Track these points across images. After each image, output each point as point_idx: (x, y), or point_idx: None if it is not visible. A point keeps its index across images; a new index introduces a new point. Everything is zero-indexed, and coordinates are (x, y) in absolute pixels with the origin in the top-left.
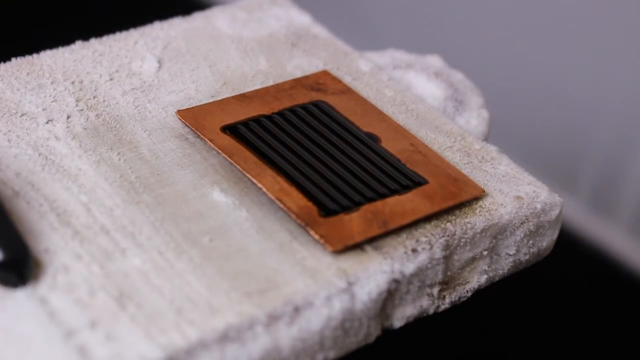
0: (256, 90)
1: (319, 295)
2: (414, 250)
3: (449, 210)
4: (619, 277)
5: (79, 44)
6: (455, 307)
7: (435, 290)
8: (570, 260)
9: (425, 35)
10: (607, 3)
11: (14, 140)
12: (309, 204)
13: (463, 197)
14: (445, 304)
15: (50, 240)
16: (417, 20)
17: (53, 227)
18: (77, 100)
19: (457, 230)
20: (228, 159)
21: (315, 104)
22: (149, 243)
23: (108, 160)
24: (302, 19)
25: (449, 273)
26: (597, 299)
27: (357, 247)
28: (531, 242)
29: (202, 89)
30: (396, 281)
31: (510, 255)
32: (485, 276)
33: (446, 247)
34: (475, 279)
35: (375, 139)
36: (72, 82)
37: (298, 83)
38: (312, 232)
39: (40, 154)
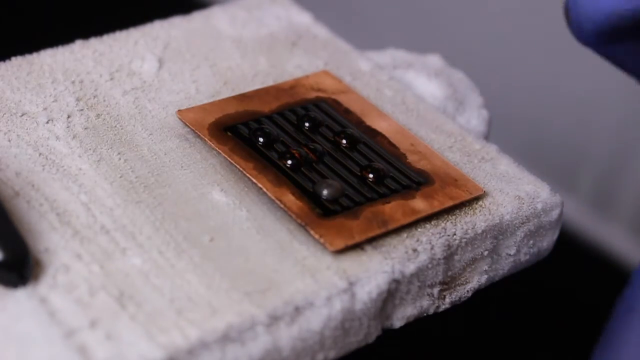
0: (256, 90)
1: (319, 295)
2: (414, 250)
3: (449, 210)
4: (619, 277)
5: (79, 44)
6: (456, 307)
7: (436, 291)
8: (570, 260)
9: (425, 35)
10: None
11: (14, 140)
12: (309, 203)
13: (463, 197)
14: (446, 304)
15: (51, 240)
16: (417, 20)
17: (53, 226)
18: (77, 100)
19: (458, 230)
20: (228, 159)
21: (316, 104)
22: (149, 243)
23: (108, 160)
24: (302, 18)
25: (449, 273)
26: (597, 299)
27: (357, 247)
28: (531, 242)
29: (202, 88)
30: (396, 281)
31: (510, 255)
32: (486, 276)
33: (447, 247)
34: (476, 279)
35: (375, 138)
36: (73, 82)
37: (298, 83)
38: (312, 232)
39: (40, 154)
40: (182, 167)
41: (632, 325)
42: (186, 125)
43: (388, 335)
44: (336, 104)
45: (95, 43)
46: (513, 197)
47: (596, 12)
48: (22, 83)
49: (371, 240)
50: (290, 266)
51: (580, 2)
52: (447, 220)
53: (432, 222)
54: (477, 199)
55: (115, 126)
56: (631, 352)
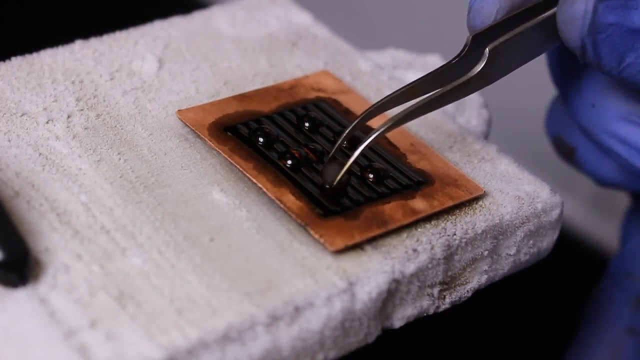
0: (256, 90)
1: (319, 295)
2: (414, 250)
3: (449, 210)
4: None
5: (79, 44)
6: (455, 307)
7: (436, 291)
8: (570, 260)
9: (425, 35)
10: None
11: (14, 140)
12: (309, 203)
13: (463, 197)
14: (446, 304)
15: (51, 240)
16: (417, 20)
17: (53, 226)
18: (77, 100)
19: (458, 230)
20: (228, 159)
21: (316, 104)
22: (149, 243)
23: (108, 160)
24: (302, 18)
25: (449, 273)
26: None
27: (357, 247)
28: (531, 242)
29: (202, 88)
30: (396, 281)
31: (510, 255)
32: (486, 276)
33: (447, 247)
34: (476, 279)
35: None
36: (73, 82)
37: (298, 83)
38: (312, 232)
39: (40, 154)
40: (182, 167)
41: (601, 334)
42: (186, 125)
43: (388, 335)
44: (336, 104)
45: (95, 43)
46: (513, 197)
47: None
48: (22, 83)
49: (371, 240)
50: (290, 266)
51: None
52: (447, 220)
53: (432, 222)
54: (477, 199)
55: (115, 126)
56: None
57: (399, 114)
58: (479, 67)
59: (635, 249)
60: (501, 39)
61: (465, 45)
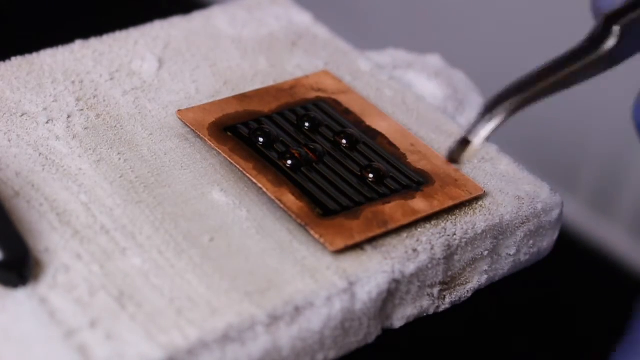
0: (256, 90)
1: (319, 295)
2: (414, 250)
3: (449, 210)
4: (619, 277)
5: (79, 44)
6: (455, 306)
7: (436, 291)
8: (570, 260)
9: (425, 35)
10: None
11: (14, 140)
12: (309, 203)
13: (463, 197)
14: (446, 304)
15: (51, 240)
16: (417, 20)
17: (53, 226)
18: (77, 100)
19: (458, 230)
20: (228, 159)
21: (316, 104)
22: (149, 243)
23: (108, 160)
24: (302, 18)
25: (449, 273)
26: (596, 300)
27: (357, 247)
28: (531, 242)
29: (202, 88)
30: (396, 281)
31: (510, 255)
32: (486, 276)
33: (447, 247)
34: (476, 279)
35: (375, 138)
36: (73, 82)
37: (298, 83)
38: (312, 232)
39: (40, 154)
40: (182, 167)
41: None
42: (186, 125)
43: (388, 335)
44: (336, 104)
45: (95, 43)
46: (513, 197)
47: None
48: (22, 83)
49: (371, 240)
50: (290, 266)
51: None
52: (447, 220)
53: (432, 222)
54: (477, 199)
55: (115, 126)
56: None
57: (527, 92)
58: (608, 46)
59: None
60: (631, 16)
61: (598, 27)
